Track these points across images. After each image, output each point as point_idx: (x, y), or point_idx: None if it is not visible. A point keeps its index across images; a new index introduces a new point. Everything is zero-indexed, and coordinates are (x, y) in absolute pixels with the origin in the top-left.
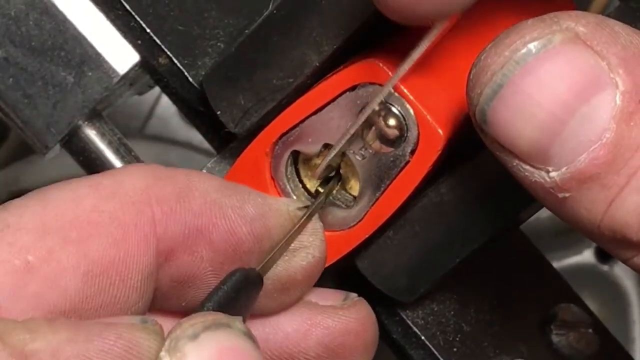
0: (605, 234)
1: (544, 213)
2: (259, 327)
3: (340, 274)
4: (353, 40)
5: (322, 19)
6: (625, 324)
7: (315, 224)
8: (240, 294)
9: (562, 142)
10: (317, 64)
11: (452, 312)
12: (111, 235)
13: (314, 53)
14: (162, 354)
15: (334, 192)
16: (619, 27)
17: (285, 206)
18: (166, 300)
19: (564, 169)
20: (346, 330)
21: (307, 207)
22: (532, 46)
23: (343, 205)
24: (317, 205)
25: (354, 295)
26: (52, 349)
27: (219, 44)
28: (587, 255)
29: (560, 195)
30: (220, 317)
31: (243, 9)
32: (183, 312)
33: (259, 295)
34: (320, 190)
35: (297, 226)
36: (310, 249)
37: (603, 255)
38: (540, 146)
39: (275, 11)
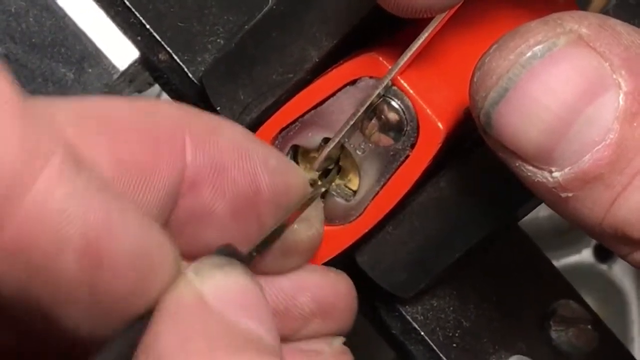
0: (607, 232)
1: (542, 212)
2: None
3: (340, 269)
4: (353, 36)
5: (322, 14)
6: (624, 323)
7: (317, 201)
8: None
9: (566, 143)
10: (317, 60)
11: (452, 308)
12: (144, 141)
13: (314, 48)
14: (189, 273)
15: (334, 186)
16: (621, 27)
17: (303, 172)
18: (177, 238)
19: (567, 170)
20: (338, 290)
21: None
22: (537, 49)
23: (342, 200)
24: (328, 180)
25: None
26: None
27: (218, 40)
28: (585, 255)
29: (563, 194)
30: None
31: (243, 5)
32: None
33: None
34: (319, 183)
35: (311, 195)
36: (312, 221)
37: (602, 255)
38: (544, 148)
39: (274, 7)
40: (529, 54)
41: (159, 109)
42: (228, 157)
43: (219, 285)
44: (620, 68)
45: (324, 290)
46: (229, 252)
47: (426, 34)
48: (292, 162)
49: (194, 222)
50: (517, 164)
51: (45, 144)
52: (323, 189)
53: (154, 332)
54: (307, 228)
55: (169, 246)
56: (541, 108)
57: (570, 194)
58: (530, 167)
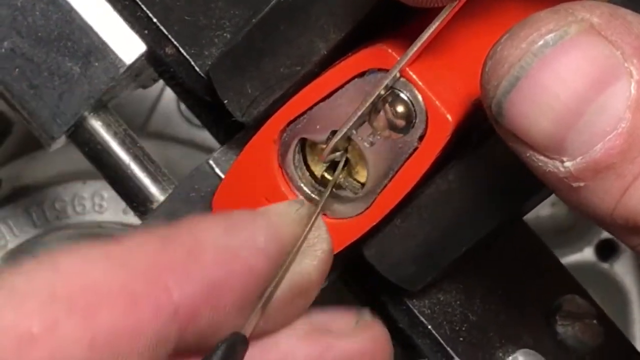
0: (618, 222)
1: (544, 211)
2: (269, 353)
3: (347, 263)
4: (361, 28)
5: (330, 6)
6: (626, 321)
7: (317, 219)
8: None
9: (577, 132)
10: (325, 52)
11: (459, 302)
12: (120, 306)
13: (322, 41)
14: None
15: (342, 179)
16: (632, 17)
17: (290, 210)
18: (185, 346)
19: (578, 159)
20: (362, 352)
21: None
22: (549, 38)
23: (350, 193)
24: (322, 202)
25: (367, 314)
26: None
27: (225, 34)
28: (587, 253)
29: (575, 184)
30: None
31: None
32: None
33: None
34: (326, 175)
35: (308, 229)
36: (317, 245)
37: (603, 253)
38: (556, 137)
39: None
40: (541, 42)
41: (132, 255)
42: (219, 271)
43: None
44: (632, 57)
45: (347, 354)
46: (234, 345)
47: (435, 26)
48: (275, 207)
49: (201, 338)
50: (528, 154)
51: None
52: (319, 206)
53: None
54: (312, 257)
55: None
56: (552, 97)
57: (581, 184)
58: (542, 157)
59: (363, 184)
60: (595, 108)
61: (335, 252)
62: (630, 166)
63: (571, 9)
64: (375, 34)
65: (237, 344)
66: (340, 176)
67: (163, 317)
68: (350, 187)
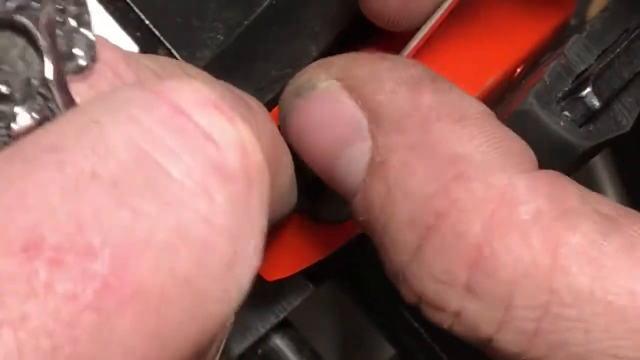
0: None
1: None
2: None
3: (340, 266)
4: (352, 30)
5: (322, 9)
6: None
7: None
8: None
9: (337, 183)
10: (316, 54)
11: None
12: None
13: (313, 43)
14: None
15: None
16: (392, 84)
17: None
18: None
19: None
20: None
21: None
22: (300, 90)
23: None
24: None
25: None
26: None
27: (218, 36)
28: None
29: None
30: None
31: (242, 0)
32: None
33: None
34: None
35: None
36: None
37: None
38: (327, 178)
39: (274, 2)
40: (293, 92)
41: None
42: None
43: None
44: (372, 121)
45: None
46: None
47: (421, 35)
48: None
49: None
50: None
51: None
52: None
53: None
54: None
55: None
56: (306, 144)
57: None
58: None
59: None
60: (343, 162)
61: (326, 255)
62: (378, 227)
63: (332, 64)
64: (366, 35)
65: None
66: None
67: None
68: None
